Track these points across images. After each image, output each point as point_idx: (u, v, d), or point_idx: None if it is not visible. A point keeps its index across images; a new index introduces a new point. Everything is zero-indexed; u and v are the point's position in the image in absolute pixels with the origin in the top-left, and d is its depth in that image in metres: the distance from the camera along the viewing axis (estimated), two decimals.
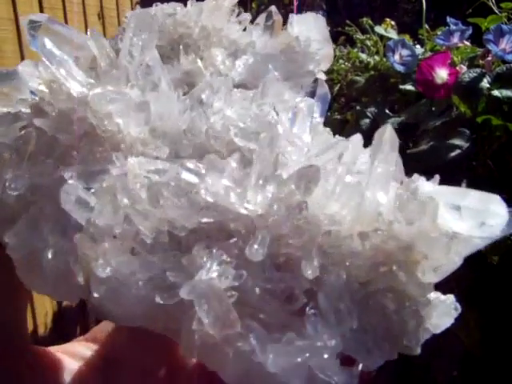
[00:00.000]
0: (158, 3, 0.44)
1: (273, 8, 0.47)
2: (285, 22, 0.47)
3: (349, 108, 1.70)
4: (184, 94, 0.36)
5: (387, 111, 1.53)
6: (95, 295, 0.27)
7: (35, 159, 0.32)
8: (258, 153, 0.29)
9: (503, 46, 1.23)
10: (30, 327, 1.81)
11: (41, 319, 1.72)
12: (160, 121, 0.33)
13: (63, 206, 0.29)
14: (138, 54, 0.33)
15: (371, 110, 1.56)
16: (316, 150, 0.31)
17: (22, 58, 1.41)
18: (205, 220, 0.28)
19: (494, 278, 1.18)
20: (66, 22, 1.70)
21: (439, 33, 1.56)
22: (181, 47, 0.40)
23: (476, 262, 1.14)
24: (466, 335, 1.18)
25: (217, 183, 0.28)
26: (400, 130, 1.50)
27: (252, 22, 0.47)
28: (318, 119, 0.37)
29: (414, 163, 1.33)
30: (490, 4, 1.44)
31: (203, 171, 0.29)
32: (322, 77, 0.46)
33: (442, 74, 1.32)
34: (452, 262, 0.28)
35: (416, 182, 0.30)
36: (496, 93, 1.20)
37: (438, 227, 0.28)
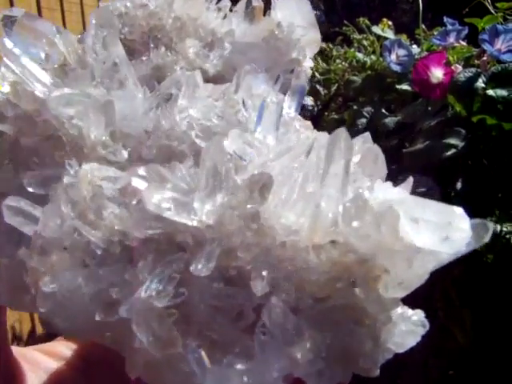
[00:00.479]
0: None
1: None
2: (267, 9, 0.44)
3: (346, 108, 1.71)
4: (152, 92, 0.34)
5: (384, 111, 1.53)
6: (41, 310, 0.27)
7: None
8: (208, 155, 0.27)
9: (498, 46, 1.23)
10: (28, 327, 1.82)
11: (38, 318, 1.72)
12: (124, 121, 0.32)
13: (7, 220, 0.28)
14: (101, 52, 0.32)
15: (368, 110, 1.57)
16: (276, 152, 0.29)
17: None
18: (151, 232, 0.27)
19: (489, 276, 1.18)
20: (64, 21, 1.71)
21: (436, 33, 1.57)
22: (150, 40, 0.38)
23: (471, 261, 1.14)
24: (461, 333, 1.19)
25: (159, 194, 0.26)
26: (396, 130, 1.51)
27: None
28: (292, 114, 0.34)
29: (410, 162, 1.34)
30: (486, 4, 1.44)
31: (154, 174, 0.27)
32: (310, 63, 0.44)
33: (437, 74, 1.32)
34: (416, 275, 0.26)
35: (374, 188, 0.27)
36: (491, 92, 1.21)
37: (399, 240, 0.26)
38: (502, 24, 1.32)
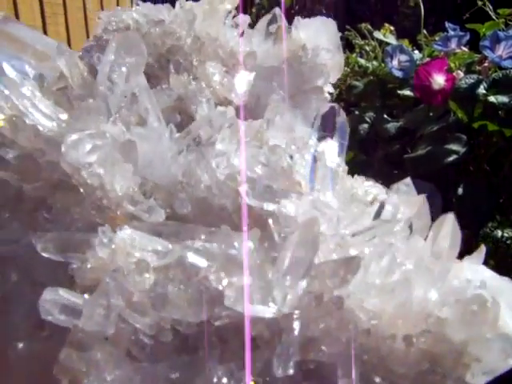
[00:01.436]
0: (140, 1, 0.36)
1: (277, 10, 0.41)
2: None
3: (348, 113, 1.71)
4: (177, 126, 0.27)
5: (385, 116, 1.54)
6: None
7: None
8: (290, 238, 0.22)
9: (500, 53, 1.24)
10: None
11: None
12: (150, 168, 0.25)
13: (44, 317, 0.23)
14: (121, 82, 0.26)
15: (370, 115, 1.57)
16: (347, 220, 0.24)
17: None
18: (218, 323, 0.22)
19: None
20: (66, 19, 1.71)
21: (437, 38, 1.57)
22: (171, 66, 0.33)
23: None
24: None
25: (228, 277, 0.21)
26: (398, 135, 1.51)
27: (252, 26, 0.41)
28: (338, 160, 0.29)
29: (411, 168, 1.35)
30: (488, 10, 1.45)
31: (214, 249, 0.21)
32: (330, 89, 0.41)
33: (439, 80, 1.33)
34: (506, 364, 0.24)
35: (464, 268, 0.25)
36: (492, 99, 1.21)
37: (496, 329, 0.24)
38: (503, 30, 1.32)
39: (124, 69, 0.27)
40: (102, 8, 1.88)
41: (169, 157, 0.27)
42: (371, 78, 1.62)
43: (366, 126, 1.55)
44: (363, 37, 1.91)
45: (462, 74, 1.35)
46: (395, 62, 1.52)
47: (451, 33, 1.51)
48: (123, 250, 0.22)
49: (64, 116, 0.27)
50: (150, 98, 0.28)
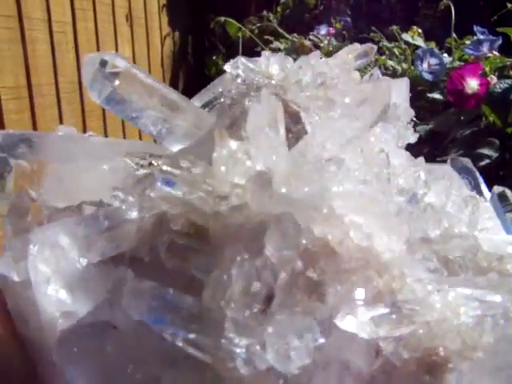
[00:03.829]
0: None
1: (376, 72, 0.41)
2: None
3: None
4: None
5: (414, 118, 1.53)
6: None
7: None
8: None
9: None
10: None
11: None
12: None
13: None
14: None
15: None
16: None
17: (54, 58, 1.42)
18: None
19: None
20: (96, 23, 1.72)
21: (467, 42, 1.57)
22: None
23: None
24: None
25: None
26: (427, 138, 1.51)
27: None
28: None
29: None
30: None
31: None
32: None
33: (472, 85, 1.33)
34: None
35: None
36: None
37: None
38: None
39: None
40: (129, 4, 1.88)
41: None
42: None
43: None
44: (388, 38, 1.91)
45: (495, 79, 1.35)
46: (425, 65, 1.52)
47: (482, 37, 1.51)
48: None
49: None
50: None
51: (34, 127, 1.31)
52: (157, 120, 0.25)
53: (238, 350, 0.19)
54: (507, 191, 0.35)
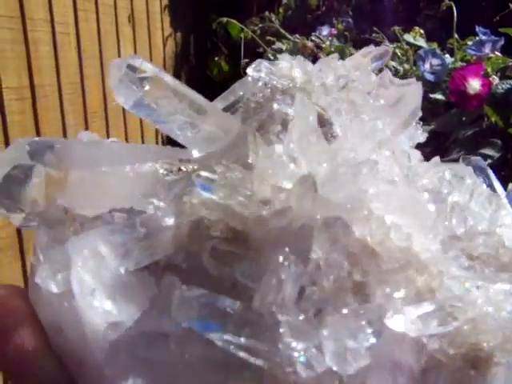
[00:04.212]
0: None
1: (387, 74, 0.40)
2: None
3: None
4: None
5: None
6: None
7: None
8: None
9: None
10: None
11: None
12: None
13: None
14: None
15: None
16: None
17: (56, 59, 1.42)
18: None
19: None
20: (98, 24, 1.72)
21: (469, 43, 1.58)
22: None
23: None
24: None
25: None
26: (429, 139, 1.51)
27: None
28: None
29: None
30: None
31: None
32: None
33: (474, 85, 1.34)
34: None
35: None
36: None
37: None
38: None
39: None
40: (131, 5, 1.89)
41: None
42: None
43: None
44: (389, 38, 1.92)
45: (497, 80, 1.36)
46: (427, 66, 1.53)
47: (484, 37, 1.51)
48: None
49: None
50: None
51: (37, 127, 1.31)
52: (184, 124, 0.26)
53: (297, 354, 0.19)
54: None
